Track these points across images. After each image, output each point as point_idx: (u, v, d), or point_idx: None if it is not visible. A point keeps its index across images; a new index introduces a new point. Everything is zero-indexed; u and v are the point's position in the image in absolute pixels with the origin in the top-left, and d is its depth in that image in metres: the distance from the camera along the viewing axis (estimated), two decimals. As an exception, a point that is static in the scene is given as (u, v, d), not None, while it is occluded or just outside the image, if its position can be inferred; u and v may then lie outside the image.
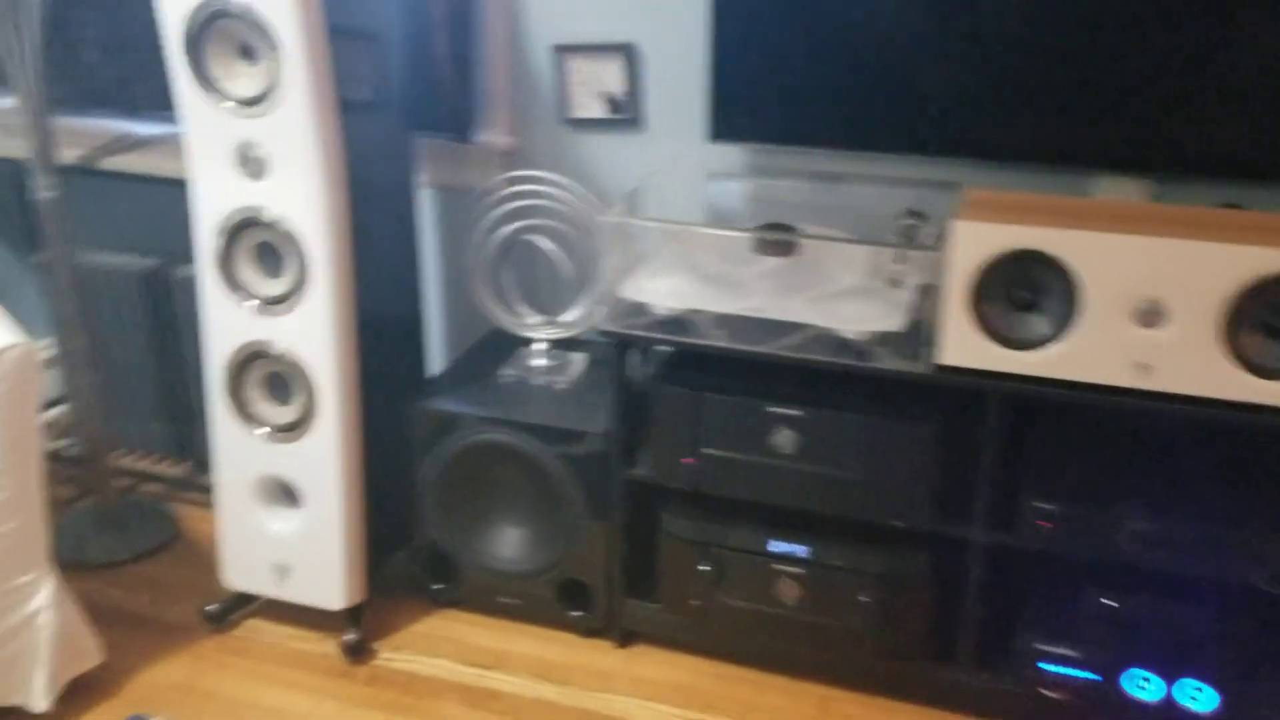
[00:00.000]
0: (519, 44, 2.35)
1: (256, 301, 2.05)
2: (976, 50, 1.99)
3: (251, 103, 1.91)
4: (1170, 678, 1.86)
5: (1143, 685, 1.87)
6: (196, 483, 2.72)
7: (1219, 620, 1.86)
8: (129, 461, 2.79)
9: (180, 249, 2.60)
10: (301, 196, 1.95)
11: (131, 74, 2.51)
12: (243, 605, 2.33)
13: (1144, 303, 1.69)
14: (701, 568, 2.06)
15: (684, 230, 2.08)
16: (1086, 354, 1.73)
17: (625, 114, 2.32)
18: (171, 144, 2.52)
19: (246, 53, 1.91)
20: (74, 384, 2.43)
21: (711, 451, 1.97)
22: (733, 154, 2.26)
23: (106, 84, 2.53)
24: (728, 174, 2.26)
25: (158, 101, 2.48)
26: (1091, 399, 1.76)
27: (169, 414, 2.73)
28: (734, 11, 2.10)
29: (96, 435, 2.49)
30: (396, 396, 2.23)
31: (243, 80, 1.92)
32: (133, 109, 2.55)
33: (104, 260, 2.65)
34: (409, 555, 2.33)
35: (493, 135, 2.42)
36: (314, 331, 2.03)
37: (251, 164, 1.96)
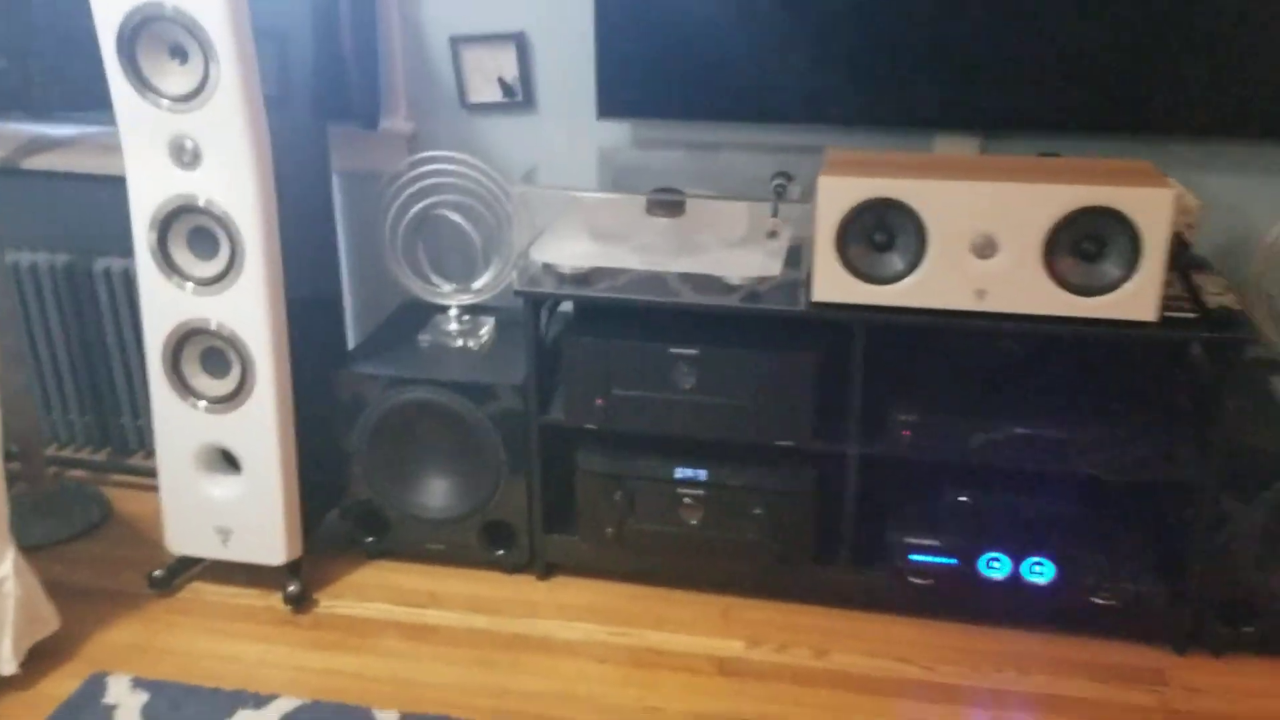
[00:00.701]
0: (417, 36, 2.56)
1: (193, 283, 2.21)
2: (831, 28, 2.30)
3: (185, 99, 2.08)
4: (1017, 557, 2.20)
5: (994, 565, 2.21)
6: (122, 466, 2.85)
7: (1054, 504, 2.21)
8: (52, 451, 2.90)
9: (98, 243, 2.74)
10: (234, 183, 2.12)
11: (39, 78, 2.62)
12: (186, 569, 2.49)
13: (979, 237, 2.01)
14: (615, 497, 2.31)
15: (586, 197, 2.33)
16: (934, 284, 2.05)
17: (519, 97, 2.56)
18: (87, 143, 2.65)
19: (176, 52, 2.08)
20: (6, 380, 2.53)
21: (620, 392, 2.23)
22: (620, 130, 2.52)
23: (13, 88, 2.63)
24: (617, 148, 2.52)
25: (68, 103, 2.61)
26: (941, 322, 2.08)
27: (92, 404, 2.86)
28: (614, 4, 2.35)
29: (29, 428, 2.60)
30: (323, 366, 2.42)
31: (173, 78, 2.09)
32: (42, 111, 2.66)
33: (24, 257, 2.75)
34: (341, 513, 2.53)
35: (396, 122, 2.62)
36: (248, 307, 2.20)
37: (185, 155, 2.13)
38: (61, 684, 2.17)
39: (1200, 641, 2.22)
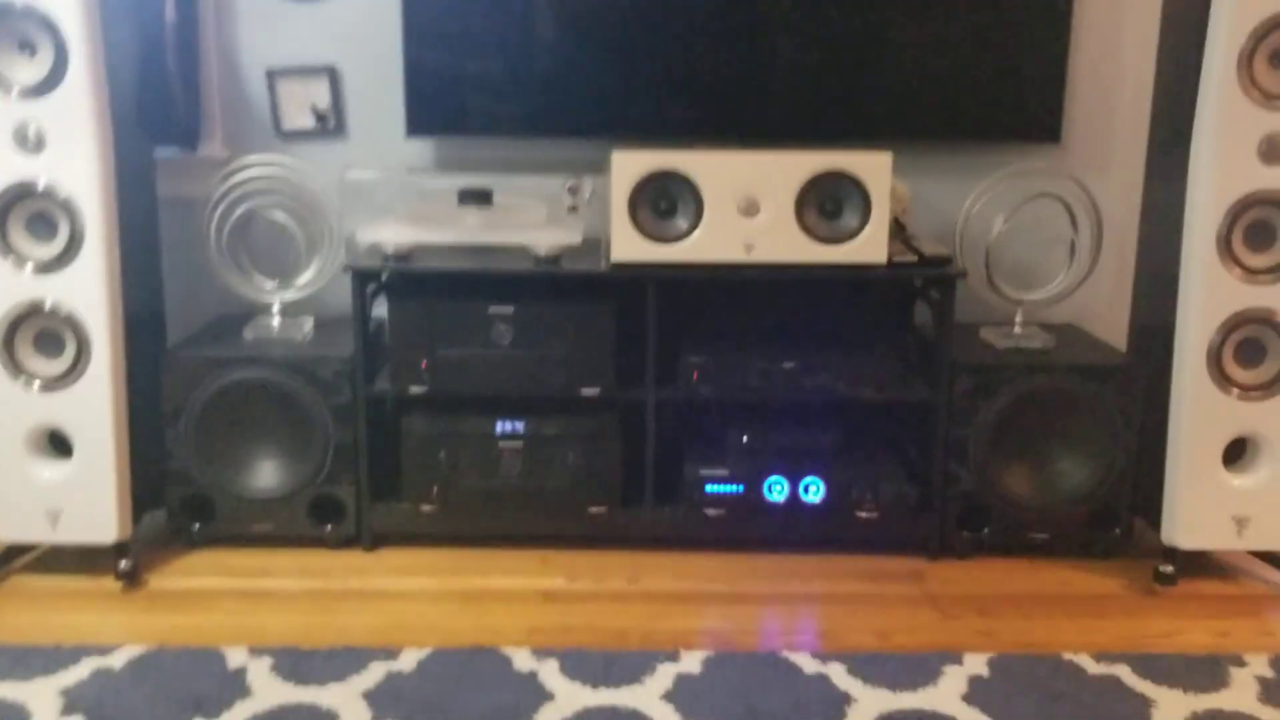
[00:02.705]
0: (234, 69, 2.82)
1: (32, 263, 2.33)
2: (608, 56, 2.73)
3: (35, 88, 2.25)
4: (794, 478, 2.56)
5: (776, 490, 2.56)
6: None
7: (823, 432, 2.59)
8: None
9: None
10: (78, 164, 2.29)
11: None
12: (7, 563, 2.50)
13: (744, 200, 2.44)
14: (440, 457, 2.53)
15: (407, 181, 2.62)
16: (711, 241, 2.45)
17: (331, 124, 2.85)
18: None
19: (24, 45, 2.26)
20: None
21: (444, 352, 2.49)
22: (425, 151, 2.85)
23: None
24: (422, 168, 2.84)
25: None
26: (719, 274, 2.48)
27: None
28: (420, 34, 2.71)
29: None
30: (148, 363, 2.54)
31: (23, 70, 2.27)
32: None
33: None
34: (167, 501, 2.60)
35: (213, 149, 2.84)
36: (87, 283, 2.34)
37: (28, 142, 2.28)
38: (-114, 658, 2.15)
39: (947, 549, 2.63)
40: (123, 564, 2.44)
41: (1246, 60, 2.23)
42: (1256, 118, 2.26)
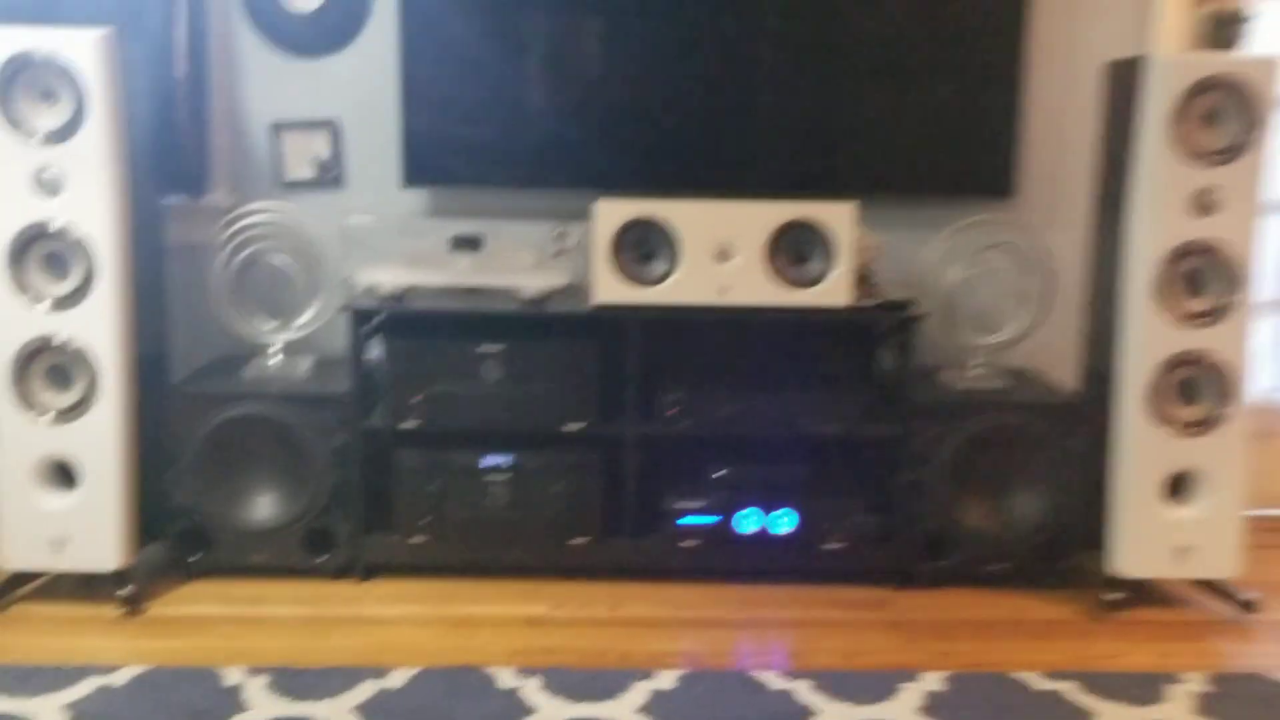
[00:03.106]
0: (240, 122, 2.99)
1: (47, 300, 2.47)
2: (593, 115, 2.92)
3: (55, 134, 2.41)
4: (767, 511, 2.71)
5: (749, 521, 2.71)
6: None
7: (795, 463, 2.74)
8: None
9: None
10: (93, 206, 2.45)
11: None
12: (12, 590, 2.61)
13: (719, 246, 2.61)
14: (430, 489, 2.67)
15: (402, 224, 2.79)
16: (688, 284, 2.62)
17: (331, 174, 3.01)
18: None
19: (46, 95, 2.43)
20: None
21: (436, 389, 2.64)
22: (420, 201, 3.02)
23: None
24: (417, 216, 3.01)
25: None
26: (695, 315, 2.65)
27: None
28: (417, 91, 2.89)
29: None
30: (154, 396, 2.68)
31: (43, 117, 2.43)
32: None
33: None
34: (167, 534, 2.72)
35: (218, 198, 3.00)
36: (99, 319, 2.48)
37: (47, 184, 2.44)
38: (-101, 673, 2.26)
39: (913, 580, 2.77)
40: (124, 590, 2.56)
41: (1177, 120, 2.44)
42: (1187, 173, 2.46)
